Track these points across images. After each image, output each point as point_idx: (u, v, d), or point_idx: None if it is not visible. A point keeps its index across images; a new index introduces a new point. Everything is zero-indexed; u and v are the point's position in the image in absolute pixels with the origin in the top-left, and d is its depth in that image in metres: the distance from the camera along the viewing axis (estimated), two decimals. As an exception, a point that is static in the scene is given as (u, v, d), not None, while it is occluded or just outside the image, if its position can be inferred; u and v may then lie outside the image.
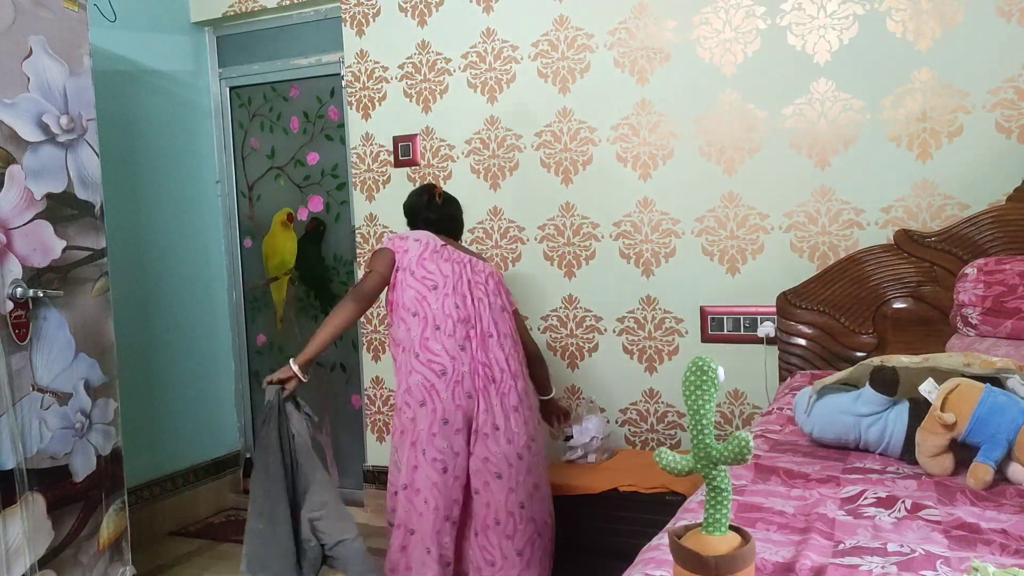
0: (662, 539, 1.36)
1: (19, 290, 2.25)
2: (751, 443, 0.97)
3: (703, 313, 2.93)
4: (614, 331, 3.08)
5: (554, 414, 2.73)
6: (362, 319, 3.53)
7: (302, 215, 3.75)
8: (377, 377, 3.51)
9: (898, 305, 2.56)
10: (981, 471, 1.57)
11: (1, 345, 2.20)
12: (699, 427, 1.01)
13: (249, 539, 2.17)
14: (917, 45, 2.60)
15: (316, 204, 3.71)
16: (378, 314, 3.47)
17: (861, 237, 2.70)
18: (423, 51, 3.30)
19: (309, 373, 2.32)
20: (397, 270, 2.42)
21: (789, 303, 2.71)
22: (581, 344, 3.14)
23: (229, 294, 3.92)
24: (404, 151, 3.37)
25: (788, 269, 2.78)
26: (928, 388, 1.70)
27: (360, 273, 3.52)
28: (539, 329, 3.20)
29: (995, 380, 1.71)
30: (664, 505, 2.43)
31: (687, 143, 2.91)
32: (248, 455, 3.92)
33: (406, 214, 2.64)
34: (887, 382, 1.77)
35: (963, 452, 1.65)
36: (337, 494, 2.28)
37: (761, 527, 1.40)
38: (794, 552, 1.28)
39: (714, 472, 1.00)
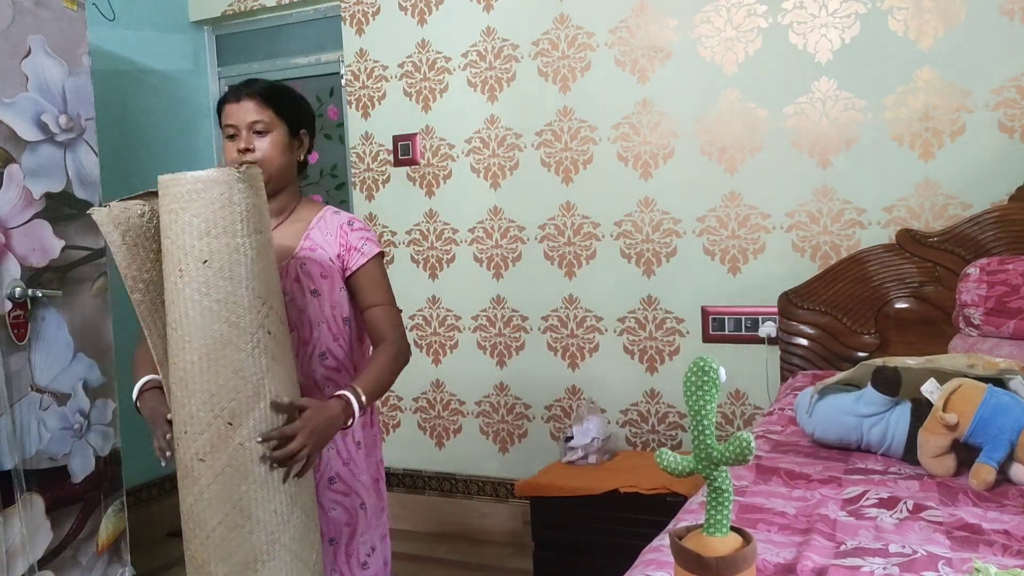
0: (663, 540, 1.36)
1: (18, 290, 2.24)
2: (752, 444, 0.96)
3: (704, 313, 2.92)
4: (615, 331, 3.07)
5: None
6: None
7: (302, 215, 3.74)
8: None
9: (900, 305, 2.55)
10: (983, 472, 1.57)
11: (-1, 345, 2.20)
12: (700, 428, 1.00)
13: None
14: (919, 44, 2.59)
15: (316, 204, 3.71)
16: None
17: (863, 237, 2.69)
18: (423, 50, 3.30)
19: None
20: None
21: (791, 303, 2.70)
22: (581, 344, 3.13)
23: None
24: (404, 150, 3.36)
25: (790, 269, 2.77)
26: (930, 388, 1.69)
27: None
28: (540, 329, 3.19)
29: (998, 381, 1.70)
30: (665, 506, 2.42)
31: (688, 142, 2.90)
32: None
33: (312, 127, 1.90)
34: (889, 382, 1.76)
35: (965, 453, 1.65)
36: None
37: (762, 528, 1.40)
38: (795, 553, 1.28)
39: (715, 473, 1.00)
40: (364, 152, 3.45)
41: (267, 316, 1.49)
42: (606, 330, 3.09)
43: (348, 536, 1.83)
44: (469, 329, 3.31)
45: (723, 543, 0.98)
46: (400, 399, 3.46)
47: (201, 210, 1.43)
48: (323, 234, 1.81)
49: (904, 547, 1.28)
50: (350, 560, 1.83)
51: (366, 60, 3.41)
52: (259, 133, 1.73)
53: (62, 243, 2.40)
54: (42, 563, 2.32)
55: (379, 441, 1.96)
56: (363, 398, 1.63)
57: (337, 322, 1.79)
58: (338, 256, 1.80)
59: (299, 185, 1.89)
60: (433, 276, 3.36)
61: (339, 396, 1.62)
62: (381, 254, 1.84)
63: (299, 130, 1.81)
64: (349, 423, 1.62)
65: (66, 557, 2.39)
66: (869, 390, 1.79)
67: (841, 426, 1.83)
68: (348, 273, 1.80)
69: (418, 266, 3.38)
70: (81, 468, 2.45)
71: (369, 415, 1.91)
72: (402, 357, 1.77)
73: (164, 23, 3.62)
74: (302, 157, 1.84)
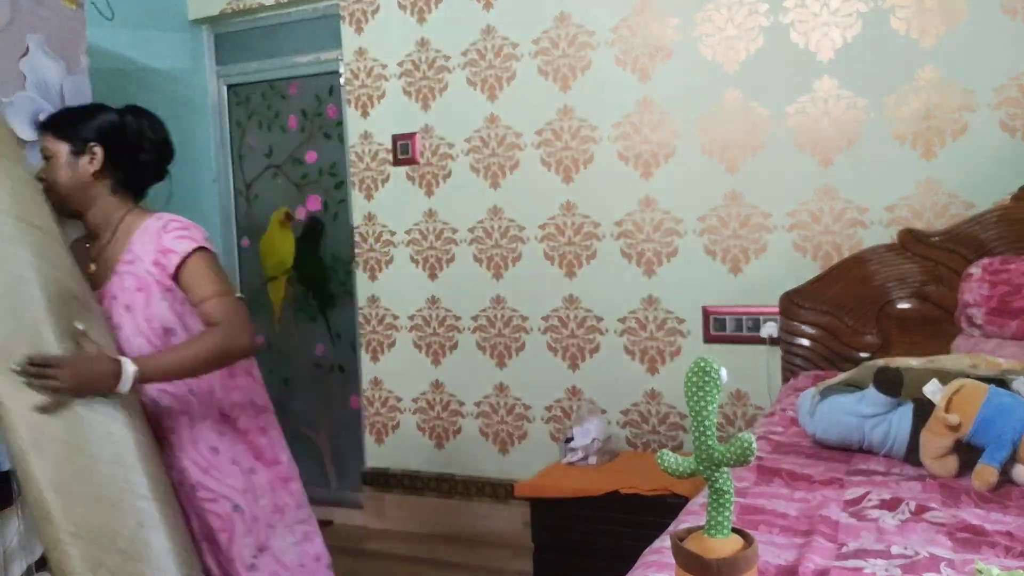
0: (664, 542, 1.35)
1: (15, 289, 2.23)
2: (754, 444, 0.95)
3: (705, 313, 2.91)
4: (615, 332, 3.06)
5: None
6: (362, 319, 3.51)
7: (300, 214, 3.73)
8: (376, 378, 3.50)
9: (902, 305, 2.54)
10: (986, 473, 1.56)
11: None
12: (701, 428, 0.99)
13: None
14: (921, 43, 2.58)
15: (314, 203, 3.70)
16: (377, 314, 3.45)
17: (865, 236, 2.68)
18: (422, 49, 3.29)
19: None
20: None
21: (792, 303, 2.69)
22: (582, 345, 3.12)
23: (228, 294, 3.90)
24: (403, 149, 3.35)
25: (791, 269, 2.76)
26: (932, 389, 1.68)
27: (359, 275, 3.50)
28: (540, 330, 3.18)
29: (1000, 381, 1.69)
30: (666, 507, 2.40)
31: (689, 141, 2.89)
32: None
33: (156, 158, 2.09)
34: (891, 383, 1.76)
35: (968, 453, 1.64)
36: None
37: (764, 529, 1.39)
38: (797, 555, 1.27)
39: (716, 474, 0.99)
40: (363, 151, 3.44)
41: (44, 244, 1.64)
42: (606, 330, 3.08)
43: (226, 541, 1.82)
44: (469, 329, 3.30)
45: (724, 545, 0.98)
46: (399, 400, 3.45)
47: None
48: (142, 244, 1.79)
49: (906, 548, 1.27)
50: (233, 564, 1.82)
51: (365, 59, 3.40)
52: (47, 160, 1.81)
53: (60, 242, 2.38)
54: (40, 564, 2.31)
55: (263, 446, 1.91)
56: (137, 371, 1.62)
57: (157, 335, 1.75)
58: (155, 263, 1.76)
59: (129, 198, 1.91)
60: (432, 276, 3.35)
61: (117, 360, 1.61)
62: (202, 248, 1.79)
63: (86, 145, 1.82)
64: (117, 389, 1.60)
65: (63, 558, 2.38)
66: (871, 391, 1.78)
67: (843, 427, 1.82)
68: (173, 277, 1.76)
69: (417, 266, 3.37)
70: (79, 468, 2.44)
71: (230, 423, 1.86)
72: (224, 343, 1.70)
73: (163, 22, 3.61)
74: (93, 171, 1.83)
